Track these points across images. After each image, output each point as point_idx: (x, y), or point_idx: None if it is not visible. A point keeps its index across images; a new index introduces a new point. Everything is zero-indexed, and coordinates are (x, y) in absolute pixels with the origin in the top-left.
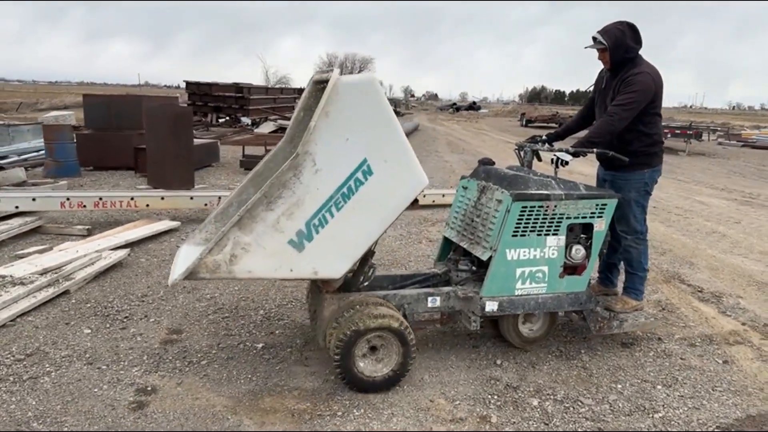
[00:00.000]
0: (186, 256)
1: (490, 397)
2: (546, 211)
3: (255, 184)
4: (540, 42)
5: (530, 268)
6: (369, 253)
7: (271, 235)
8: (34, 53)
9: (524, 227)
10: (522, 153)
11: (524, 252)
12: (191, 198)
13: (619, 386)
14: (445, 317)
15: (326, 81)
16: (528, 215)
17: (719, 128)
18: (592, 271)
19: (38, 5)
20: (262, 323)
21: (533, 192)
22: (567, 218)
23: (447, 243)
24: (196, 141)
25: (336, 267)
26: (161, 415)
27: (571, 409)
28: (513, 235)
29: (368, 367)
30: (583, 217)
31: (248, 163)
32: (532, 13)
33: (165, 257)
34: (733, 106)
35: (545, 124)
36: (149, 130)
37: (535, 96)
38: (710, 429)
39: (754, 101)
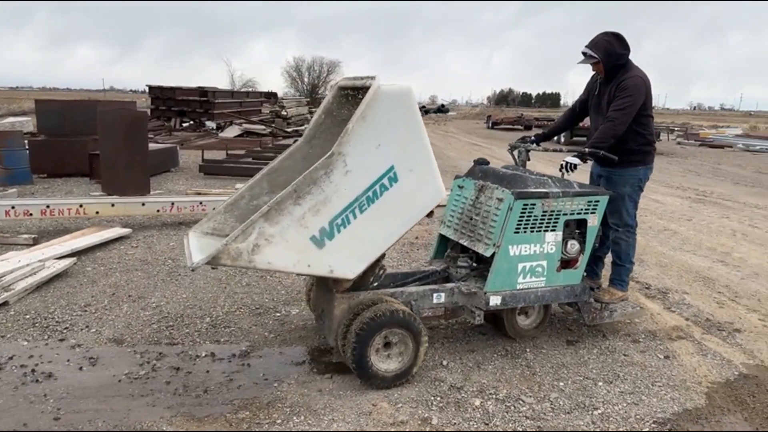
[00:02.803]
0: (197, 243)
1: (433, 398)
2: (545, 208)
3: (269, 180)
4: (509, 46)
5: (531, 263)
6: (381, 255)
7: (296, 230)
8: None
9: (525, 224)
10: (517, 153)
11: (525, 248)
12: (143, 204)
13: (561, 384)
14: (448, 313)
15: (352, 87)
16: (529, 212)
17: (678, 128)
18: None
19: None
20: (207, 331)
21: (533, 190)
22: (564, 215)
23: (443, 240)
24: (155, 146)
25: (351, 268)
26: (91, 429)
27: (512, 408)
28: (515, 232)
29: (379, 358)
30: (578, 213)
31: (207, 167)
32: (502, 17)
33: (112, 265)
34: (694, 107)
35: (511, 126)
36: (103, 136)
37: (503, 98)
38: (647, 423)
39: (714, 102)
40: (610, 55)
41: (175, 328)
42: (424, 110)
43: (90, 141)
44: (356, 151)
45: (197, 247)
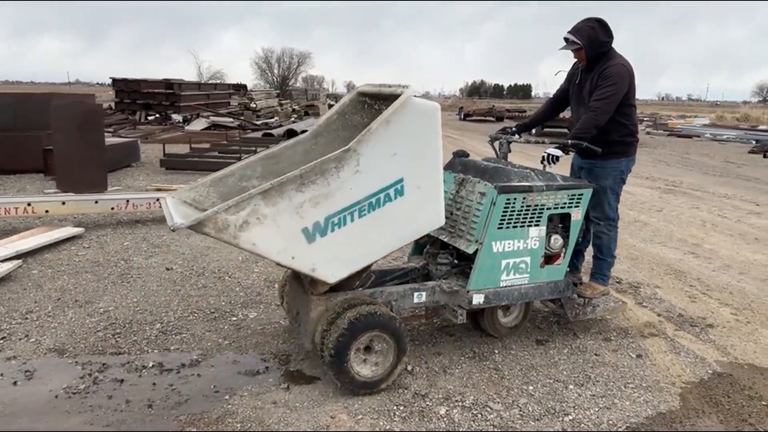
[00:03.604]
0: (176, 208)
1: (396, 408)
2: (529, 202)
3: (263, 164)
4: (481, 37)
5: (514, 260)
6: (367, 265)
7: (290, 216)
8: None
9: (509, 219)
10: (498, 145)
11: (509, 244)
12: (96, 202)
13: (531, 388)
14: (429, 312)
15: (372, 95)
16: (513, 207)
17: (648, 118)
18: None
19: None
20: (157, 338)
21: (516, 184)
22: (547, 209)
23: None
24: (114, 140)
25: (333, 271)
26: None
27: (479, 416)
28: (499, 228)
29: (358, 357)
30: (561, 207)
31: (169, 162)
32: (474, 8)
33: (61, 267)
34: (662, 97)
35: (482, 118)
36: (56, 130)
37: (475, 90)
38: (620, 429)
39: (682, 92)
40: (593, 42)
41: (122, 335)
42: None
43: (45, 136)
44: (372, 153)
45: (175, 210)
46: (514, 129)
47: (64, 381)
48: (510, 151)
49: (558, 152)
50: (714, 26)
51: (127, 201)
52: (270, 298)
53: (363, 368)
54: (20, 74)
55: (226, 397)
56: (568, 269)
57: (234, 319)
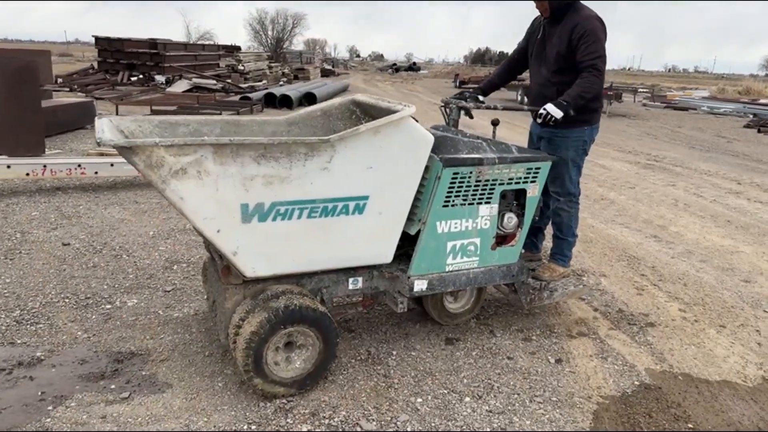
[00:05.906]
0: (111, 130)
1: (246, 427)
2: (479, 177)
3: (224, 128)
4: (488, 3)
5: (462, 241)
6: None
7: (235, 185)
8: None
9: (456, 196)
10: (447, 110)
11: (455, 223)
12: (8, 167)
13: (419, 400)
14: (367, 300)
15: (365, 106)
16: (460, 182)
17: (646, 89)
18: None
19: None
20: (8, 329)
21: (465, 156)
22: (500, 184)
23: None
24: (65, 100)
25: (255, 265)
26: None
27: None
28: (444, 205)
29: (275, 345)
30: (516, 183)
31: None
32: None
33: None
34: (669, 69)
35: (478, 86)
36: None
37: (479, 57)
38: None
39: (689, 64)
40: None
41: None
42: (395, 68)
43: None
44: (348, 156)
45: (110, 131)
46: (472, 93)
47: None
48: (471, 117)
49: (560, 113)
50: None
51: (44, 166)
52: (162, 282)
53: (271, 354)
54: (20, 33)
55: (50, 407)
56: (523, 250)
57: (108, 307)
